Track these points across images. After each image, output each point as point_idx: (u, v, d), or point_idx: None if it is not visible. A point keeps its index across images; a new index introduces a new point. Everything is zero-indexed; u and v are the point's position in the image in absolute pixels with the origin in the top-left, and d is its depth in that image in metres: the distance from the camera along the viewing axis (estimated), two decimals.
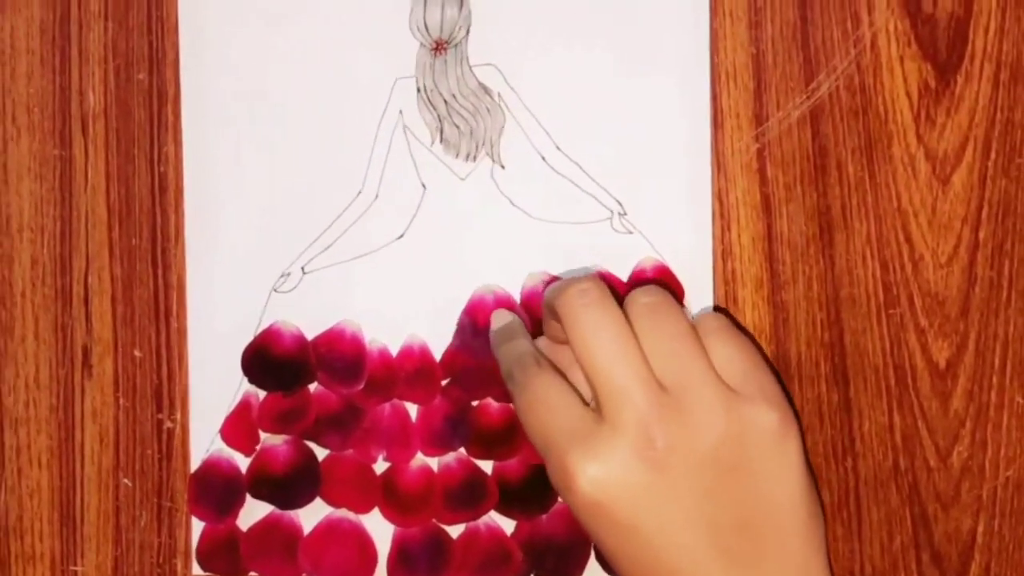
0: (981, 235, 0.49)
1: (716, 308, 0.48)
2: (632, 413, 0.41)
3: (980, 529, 0.49)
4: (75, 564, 0.51)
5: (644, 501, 0.41)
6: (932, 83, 0.49)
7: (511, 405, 0.49)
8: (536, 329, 0.49)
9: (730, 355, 0.43)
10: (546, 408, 0.42)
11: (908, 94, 0.49)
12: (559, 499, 0.49)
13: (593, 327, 0.42)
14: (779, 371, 0.49)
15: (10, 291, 0.51)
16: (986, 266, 0.49)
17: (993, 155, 0.49)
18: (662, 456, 0.41)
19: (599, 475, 0.41)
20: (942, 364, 0.49)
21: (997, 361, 0.49)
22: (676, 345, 0.42)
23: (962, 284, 0.49)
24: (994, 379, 0.49)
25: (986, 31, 0.48)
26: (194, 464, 0.50)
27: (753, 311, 0.49)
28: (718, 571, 0.41)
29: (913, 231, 0.49)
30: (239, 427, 0.50)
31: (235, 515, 0.50)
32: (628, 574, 0.42)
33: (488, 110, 0.50)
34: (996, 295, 0.49)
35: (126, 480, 0.51)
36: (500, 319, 0.47)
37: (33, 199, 0.51)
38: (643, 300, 0.43)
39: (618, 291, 0.49)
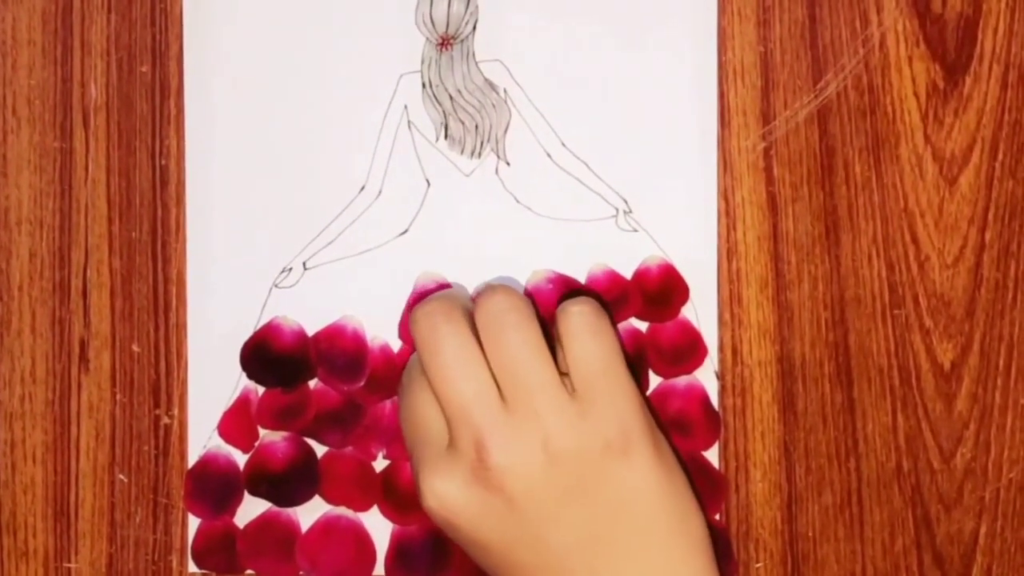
0: (987, 236, 0.47)
1: (595, 297, 0.45)
2: (467, 432, 0.40)
3: (983, 531, 0.47)
4: (69, 561, 0.49)
5: (486, 520, 0.40)
6: (940, 83, 0.47)
7: None
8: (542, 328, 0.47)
9: (584, 356, 0.41)
10: (414, 417, 0.42)
11: (916, 94, 0.47)
12: None
13: (435, 346, 0.41)
14: (783, 371, 0.47)
15: (7, 284, 0.49)
16: (992, 267, 0.47)
17: (1001, 156, 0.47)
18: (496, 476, 0.40)
19: (441, 492, 0.40)
20: (947, 365, 0.47)
21: (1002, 363, 0.47)
22: (517, 354, 0.40)
23: (968, 285, 0.47)
24: (999, 381, 0.47)
25: (995, 32, 0.47)
26: (191, 460, 0.48)
27: (758, 310, 0.48)
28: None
29: (919, 232, 0.47)
30: (237, 423, 0.48)
31: (232, 512, 0.48)
32: None
33: (494, 106, 0.48)
34: (1002, 296, 0.47)
35: (122, 476, 0.49)
36: None
37: (33, 192, 0.49)
38: (487, 307, 0.41)
39: (626, 291, 0.47)
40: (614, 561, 0.40)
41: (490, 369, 0.41)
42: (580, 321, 0.41)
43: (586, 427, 0.40)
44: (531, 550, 0.40)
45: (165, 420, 0.49)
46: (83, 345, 0.49)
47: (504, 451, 0.40)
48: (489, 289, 0.42)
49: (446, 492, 0.40)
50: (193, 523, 0.49)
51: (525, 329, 0.41)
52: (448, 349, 0.41)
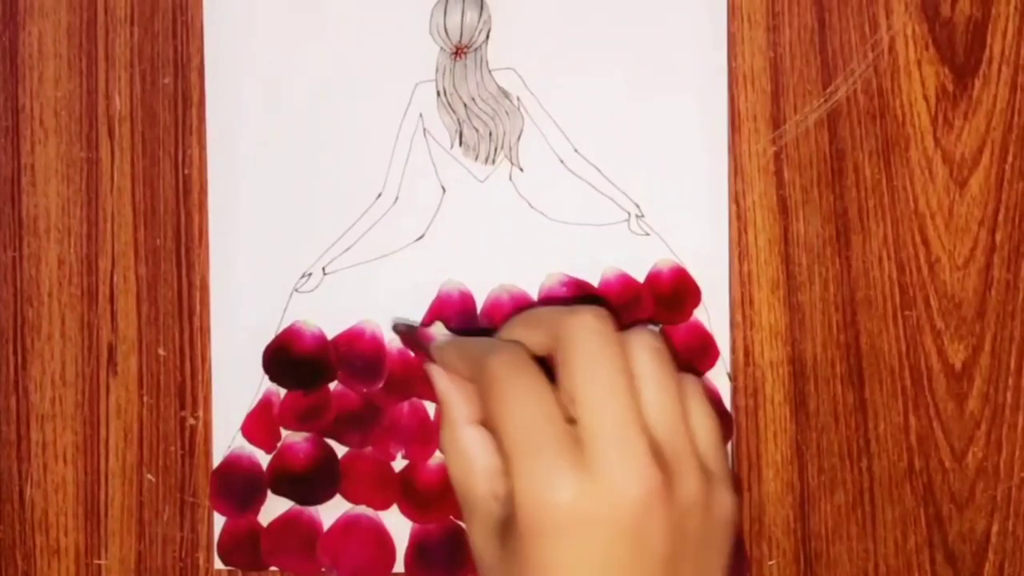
0: (998, 238, 0.47)
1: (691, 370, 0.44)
2: (630, 449, 0.37)
3: (994, 529, 0.47)
4: (99, 558, 0.49)
5: (622, 539, 0.36)
6: (949, 87, 0.46)
7: None
8: None
9: (703, 426, 0.39)
10: (539, 402, 0.37)
11: (926, 97, 0.46)
12: None
13: (596, 357, 0.37)
14: (795, 372, 0.47)
15: (37, 290, 0.49)
16: (1003, 268, 0.47)
17: (1010, 158, 0.46)
18: (655, 492, 0.36)
19: (586, 497, 0.36)
20: (958, 366, 0.47)
21: (1013, 363, 0.47)
22: (671, 398, 0.38)
23: (978, 286, 0.47)
24: (1010, 381, 0.47)
25: (1004, 35, 0.46)
26: (216, 460, 0.49)
27: (769, 312, 0.47)
28: None
29: (930, 233, 0.47)
30: (260, 424, 0.49)
31: (256, 511, 0.49)
32: None
33: (507, 113, 0.48)
34: (1012, 297, 0.47)
35: (150, 476, 0.49)
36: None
37: (60, 200, 0.49)
38: (650, 343, 0.38)
39: (639, 294, 0.47)
40: None
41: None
42: (697, 390, 0.39)
43: (711, 488, 0.38)
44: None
45: (191, 421, 0.49)
46: (111, 349, 0.49)
47: (667, 472, 0.37)
48: (639, 327, 0.39)
49: (588, 497, 0.36)
50: (219, 521, 0.49)
51: (675, 375, 0.38)
52: (616, 372, 0.37)
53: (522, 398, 0.37)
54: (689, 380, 0.39)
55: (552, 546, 0.37)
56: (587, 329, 0.38)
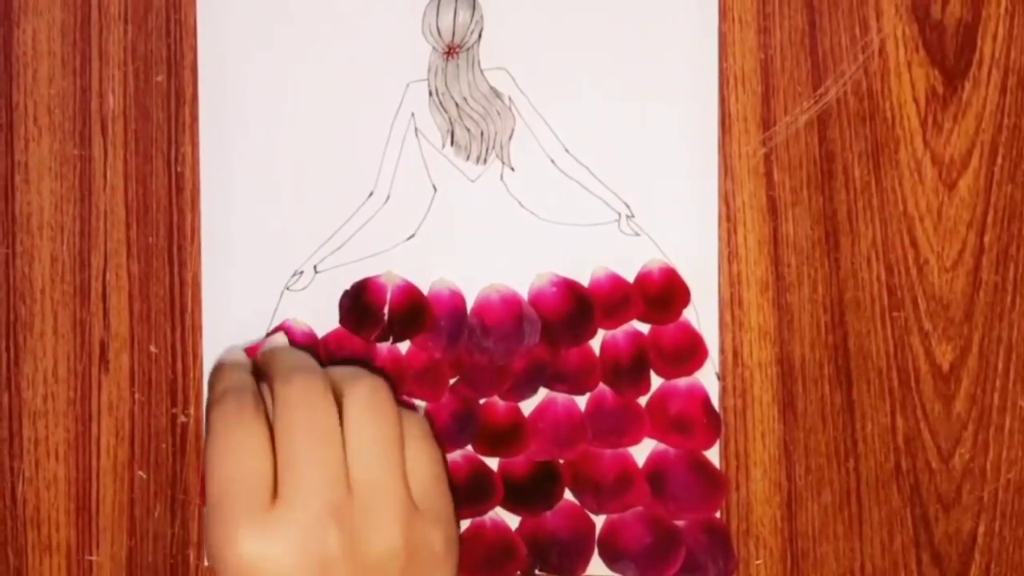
0: (986, 240, 0.46)
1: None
2: (313, 505, 0.38)
3: (981, 530, 0.46)
4: (91, 554, 0.48)
5: None
6: (940, 89, 0.45)
7: (517, 404, 0.47)
8: (546, 330, 0.46)
9: (421, 466, 0.40)
10: (240, 460, 0.39)
11: (915, 99, 0.45)
12: (563, 496, 0.46)
13: (304, 419, 0.39)
14: (784, 372, 0.46)
15: (30, 287, 0.48)
16: (991, 270, 0.46)
17: (1000, 160, 0.45)
18: (330, 555, 0.38)
19: (257, 550, 0.37)
20: (945, 367, 0.46)
21: (1000, 365, 0.46)
22: (380, 448, 0.39)
23: (967, 288, 0.46)
24: (997, 382, 0.46)
25: (994, 37, 0.45)
26: None
27: (758, 313, 0.46)
28: None
29: (919, 235, 0.46)
30: None
31: None
32: None
33: (499, 113, 0.46)
34: (1000, 299, 0.46)
35: (141, 473, 0.48)
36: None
37: (53, 198, 0.48)
38: (364, 388, 0.40)
39: (628, 294, 0.46)
40: None
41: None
42: (419, 431, 0.41)
43: (422, 528, 0.40)
44: None
45: (182, 418, 0.48)
46: (103, 346, 0.48)
47: (345, 535, 0.38)
48: (363, 377, 0.41)
49: (264, 555, 0.37)
50: None
51: (393, 424, 0.40)
52: (321, 425, 0.39)
53: (231, 448, 0.39)
54: (411, 422, 0.41)
55: None
56: (300, 393, 0.39)
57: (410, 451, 0.40)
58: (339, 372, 0.42)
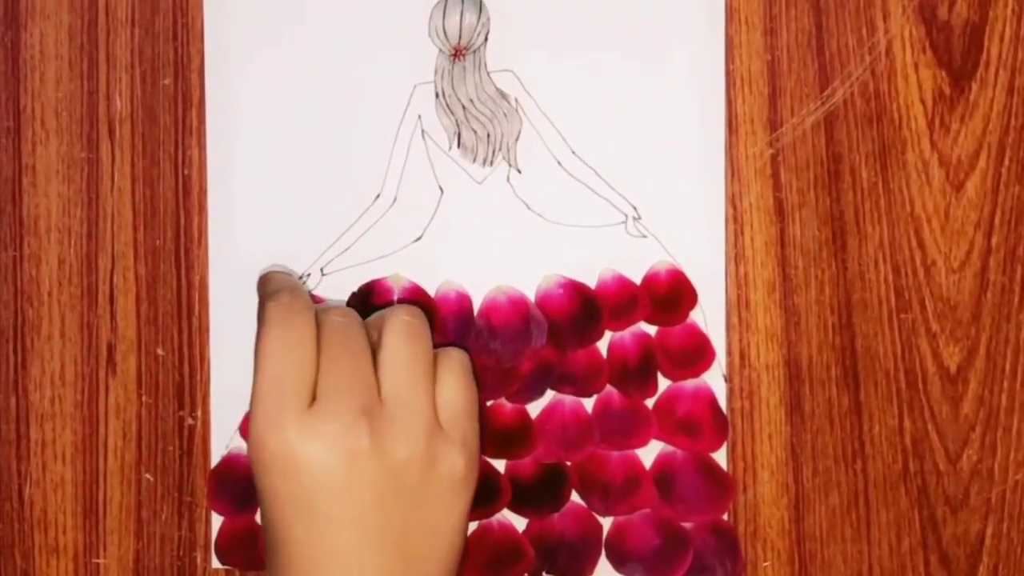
0: (994, 241, 0.45)
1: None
2: (349, 405, 0.40)
3: (989, 532, 0.46)
4: (98, 556, 0.48)
5: (329, 484, 0.40)
6: (947, 90, 0.45)
7: (524, 406, 0.46)
8: (553, 332, 0.46)
9: (454, 396, 0.42)
10: (293, 353, 0.41)
11: (923, 100, 0.45)
12: (571, 498, 0.46)
13: (341, 336, 0.42)
14: (791, 374, 0.46)
15: (37, 290, 0.48)
16: (998, 272, 0.45)
17: (1007, 162, 0.45)
18: (359, 451, 0.40)
19: (298, 440, 0.40)
20: (953, 369, 0.46)
21: (1008, 366, 0.45)
22: (411, 370, 0.41)
23: (974, 289, 0.45)
24: (1005, 384, 0.45)
25: (1001, 38, 0.45)
26: (214, 460, 0.48)
27: (765, 314, 0.46)
28: (371, 571, 0.40)
29: (926, 236, 0.45)
30: None
31: (253, 510, 0.47)
32: (289, 553, 0.41)
33: (505, 115, 0.46)
34: (1008, 300, 0.45)
35: (148, 475, 0.48)
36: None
37: (61, 200, 0.48)
38: (403, 318, 0.42)
39: (636, 295, 0.46)
40: (408, 564, 0.41)
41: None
42: (458, 365, 0.42)
43: (446, 445, 0.41)
44: (353, 524, 0.40)
45: (189, 421, 0.48)
46: (110, 349, 0.48)
47: (375, 434, 0.40)
48: (404, 307, 0.43)
49: (304, 446, 0.40)
50: (216, 521, 0.48)
51: (425, 348, 0.42)
52: (355, 337, 0.42)
53: (287, 340, 0.41)
54: (450, 357, 0.42)
55: (266, 485, 0.40)
56: (337, 316, 0.42)
57: (444, 381, 0.42)
58: (382, 312, 0.43)
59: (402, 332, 0.42)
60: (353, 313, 0.43)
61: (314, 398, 0.41)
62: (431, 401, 0.41)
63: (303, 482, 0.40)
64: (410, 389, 0.41)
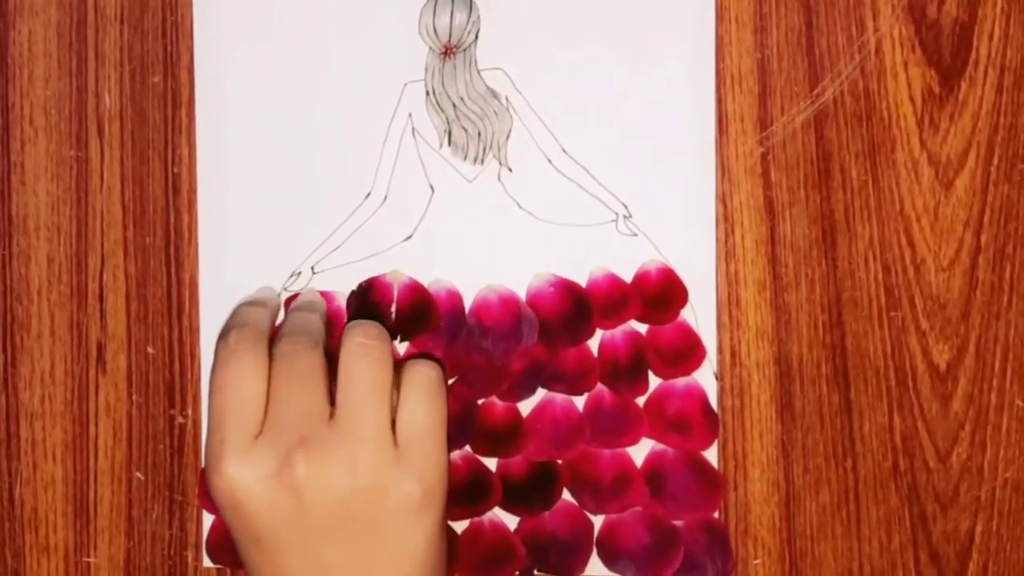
0: (983, 239, 0.45)
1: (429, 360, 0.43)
2: (285, 438, 0.40)
3: (978, 529, 0.46)
4: (88, 555, 0.48)
5: (273, 517, 0.40)
6: (936, 88, 0.45)
7: (515, 405, 0.46)
8: (544, 331, 0.46)
9: (414, 415, 0.41)
10: (237, 395, 0.41)
11: (912, 99, 0.45)
12: (562, 496, 0.46)
13: (291, 356, 0.41)
14: (781, 372, 0.46)
15: (27, 288, 0.48)
16: (988, 270, 0.45)
17: (996, 160, 0.45)
18: (298, 483, 0.39)
19: (237, 478, 0.40)
20: (942, 367, 0.46)
21: (997, 364, 0.45)
22: (364, 392, 0.40)
23: (963, 288, 0.45)
24: (994, 382, 0.46)
25: (990, 37, 0.45)
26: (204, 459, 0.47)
27: (755, 313, 0.46)
28: None
29: (915, 235, 0.45)
30: None
31: None
32: (255, 574, 0.41)
33: (496, 114, 0.46)
34: (997, 299, 0.45)
35: (139, 474, 0.48)
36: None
37: (50, 199, 0.48)
38: (358, 339, 0.41)
39: (626, 294, 0.45)
40: None
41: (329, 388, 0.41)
42: (422, 381, 0.41)
43: (396, 474, 0.40)
44: (300, 557, 0.40)
45: (180, 420, 0.48)
46: (100, 347, 0.48)
47: (315, 465, 0.40)
48: (362, 323, 0.42)
49: (243, 480, 0.40)
50: (207, 519, 0.48)
51: (381, 369, 0.41)
52: (304, 358, 0.41)
53: (224, 381, 0.41)
54: (416, 372, 0.41)
55: (223, 516, 0.41)
56: (291, 326, 0.42)
57: (406, 399, 0.41)
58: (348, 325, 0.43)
59: (356, 354, 0.41)
60: (310, 316, 0.43)
61: None
62: (384, 425, 0.40)
63: (249, 516, 0.40)
64: (359, 415, 0.40)
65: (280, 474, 0.39)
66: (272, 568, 0.40)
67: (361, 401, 0.40)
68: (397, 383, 0.41)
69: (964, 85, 0.45)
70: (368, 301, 0.46)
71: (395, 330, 0.46)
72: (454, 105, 0.46)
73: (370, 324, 0.42)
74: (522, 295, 0.47)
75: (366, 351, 0.41)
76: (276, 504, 0.39)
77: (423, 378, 0.41)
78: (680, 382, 0.46)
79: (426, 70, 0.46)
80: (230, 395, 0.41)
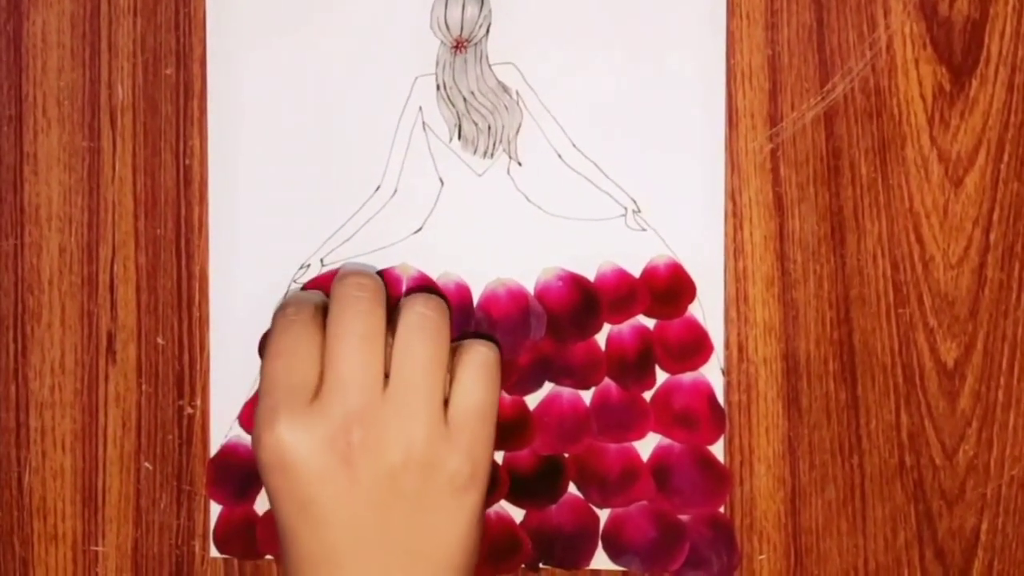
0: (992, 237, 0.45)
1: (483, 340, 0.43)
2: (342, 406, 0.40)
3: (984, 527, 0.45)
4: (96, 544, 0.48)
5: (323, 484, 0.40)
6: (947, 86, 0.45)
7: (523, 398, 0.46)
8: (552, 324, 0.45)
9: (468, 394, 0.41)
10: (292, 358, 0.41)
11: (923, 96, 0.45)
12: (568, 489, 0.46)
13: (351, 319, 0.41)
14: (788, 368, 0.46)
15: (38, 278, 0.48)
16: (996, 268, 0.45)
17: (1006, 158, 0.45)
18: (353, 452, 0.40)
19: (290, 437, 0.40)
20: (950, 364, 0.45)
21: (1005, 362, 0.45)
22: (420, 366, 0.40)
23: (972, 285, 0.45)
24: (1001, 379, 0.45)
25: (1002, 35, 0.44)
26: (213, 449, 0.47)
27: (764, 309, 0.46)
28: (374, 572, 0.40)
29: (924, 232, 0.45)
30: None
31: (252, 499, 0.47)
32: (295, 550, 0.41)
33: (506, 108, 0.46)
34: (1005, 296, 0.45)
35: (147, 464, 0.48)
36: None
37: (62, 189, 0.48)
38: (418, 309, 0.41)
39: (634, 289, 0.45)
40: (408, 569, 0.40)
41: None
42: (479, 360, 0.41)
43: (447, 451, 0.40)
44: (343, 527, 0.40)
45: (188, 410, 0.48)
46: (110, 337, 0.48)
47: (369, 435, 0.40)
48: (423, 295, 0.42)
49: (296, 443, 0.39)
50: (215, 509, 0.48)
51: (438, 344, 0.41)
52: (366, 326, 0.41)
53: (281, 349, 0.41)
54: (474, 351, 0.41)
55: (268, 481, 0.40)
56: (351, 290, 0.41)
57: (460, 378, 0.41)
58: (404, 302, 0.43)
59: (415, 325, 0.41)
60: (370, 278, 0.42)
61: None
62: (438, 401, 0.40)
63: (298, 480, 0.40)
64: (414, 389, 0.40)
65: (335, 441, 0.39)
66: (312, 536, 0.40)
67: (417, 375, 0.40)
68: (450, 360, 0.41)
69: (975, 83, 0.45)
70: None
71: None
72: (465, 99, 0.46)
73: (431, 296, 0.42)
74: (530, 289, 0.46)
75: (425, 323, 0.41)
76: (327, 470, 0.39)
77: (481, 357, 0.41)
78: (687, 377, 0.46)
79: (437, 64, 0.46)
80: (286, 361, 0.41)
